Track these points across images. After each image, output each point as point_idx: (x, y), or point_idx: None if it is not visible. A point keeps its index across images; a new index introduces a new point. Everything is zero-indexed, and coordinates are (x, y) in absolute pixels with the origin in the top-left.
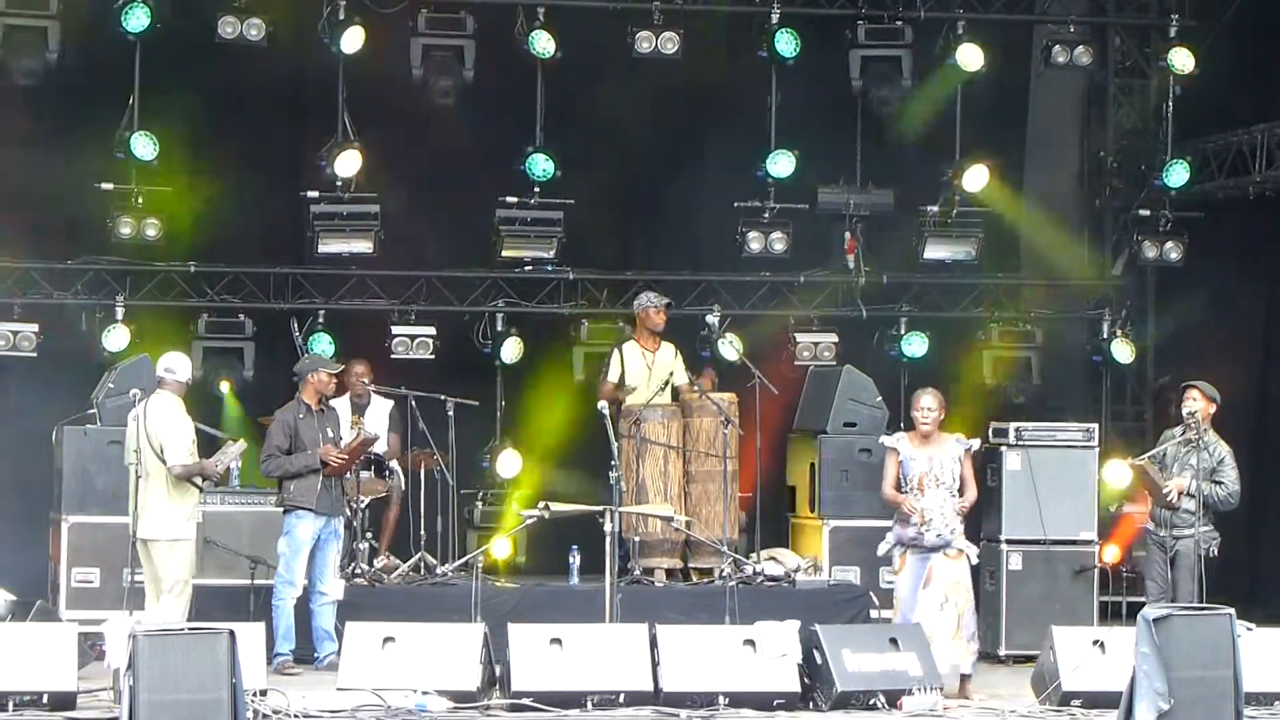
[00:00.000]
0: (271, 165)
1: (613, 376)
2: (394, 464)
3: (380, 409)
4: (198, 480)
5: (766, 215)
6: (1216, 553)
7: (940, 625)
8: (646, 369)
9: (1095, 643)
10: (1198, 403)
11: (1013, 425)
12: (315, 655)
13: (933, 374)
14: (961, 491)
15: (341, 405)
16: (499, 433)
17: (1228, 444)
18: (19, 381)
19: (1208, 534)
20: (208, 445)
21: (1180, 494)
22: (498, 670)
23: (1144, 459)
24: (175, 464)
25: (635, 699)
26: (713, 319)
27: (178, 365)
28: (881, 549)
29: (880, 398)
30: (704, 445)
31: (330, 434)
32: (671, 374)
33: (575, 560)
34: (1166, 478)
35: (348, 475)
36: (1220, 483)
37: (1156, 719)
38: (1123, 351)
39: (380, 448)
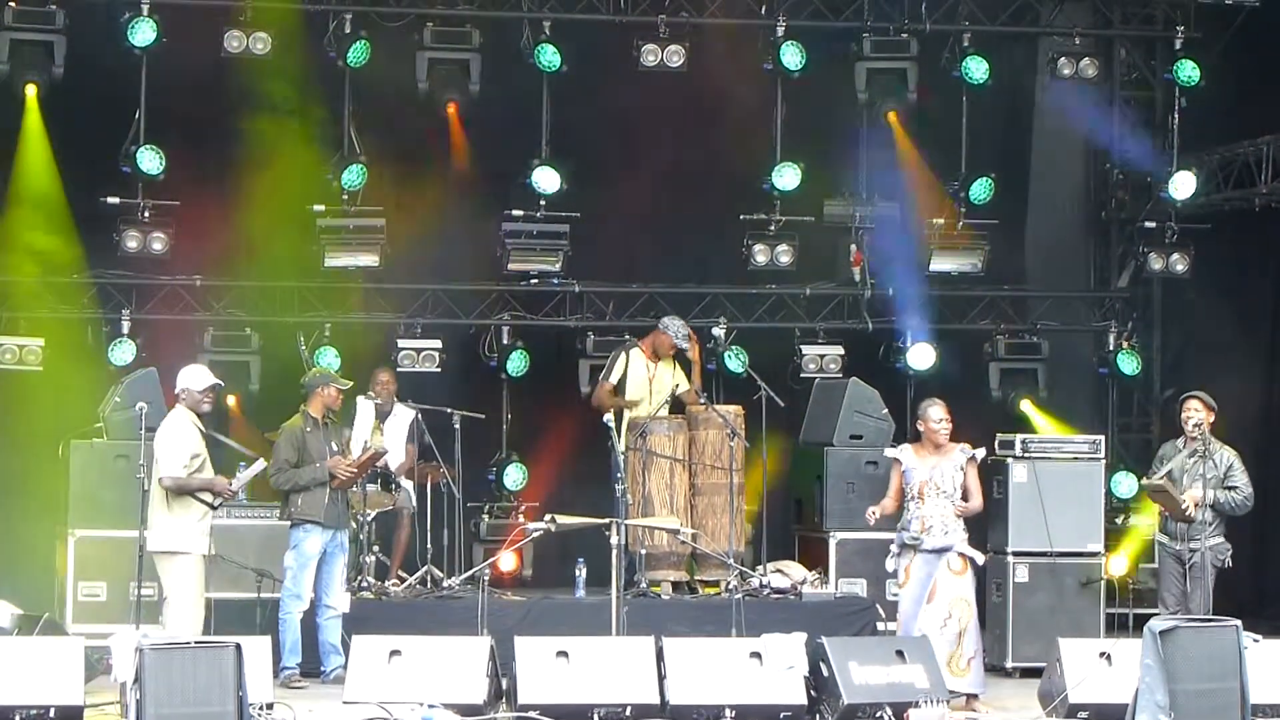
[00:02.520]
0: (277, 178)
1: (613, 379)
2: (404, 480)
3: (403, 418)
4: (204, 496)
5: (772, 228)
6: (1231, 564)
7: (941, 642)
8: (648, 380)
9: (1102, 655)
10: (1200, 413)
11: (1019, 437)
12: (322, 669)
13: (939, 386)
14: (965, 500)
15: (365, 410)
16: (505, 446)
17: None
18: (26, 396)
19: (1220, 546)
20: (230, 460)
21: (1196, 506)
22: (504, 683)
23: (1161, 478)
24: (164, 476)
25: (642, 712)
26: (718, 331)
27: (185, 378)
28: (889, 564)
29: (886, 410)
30: (710, 458)
31: (336, 447)
32: (676, 385)
33: (581, 573)
34: (1180, 491)
35: (354, 488)
36: (1234, 488)
37: None
38: (1129, 363)
39: (398, 458)
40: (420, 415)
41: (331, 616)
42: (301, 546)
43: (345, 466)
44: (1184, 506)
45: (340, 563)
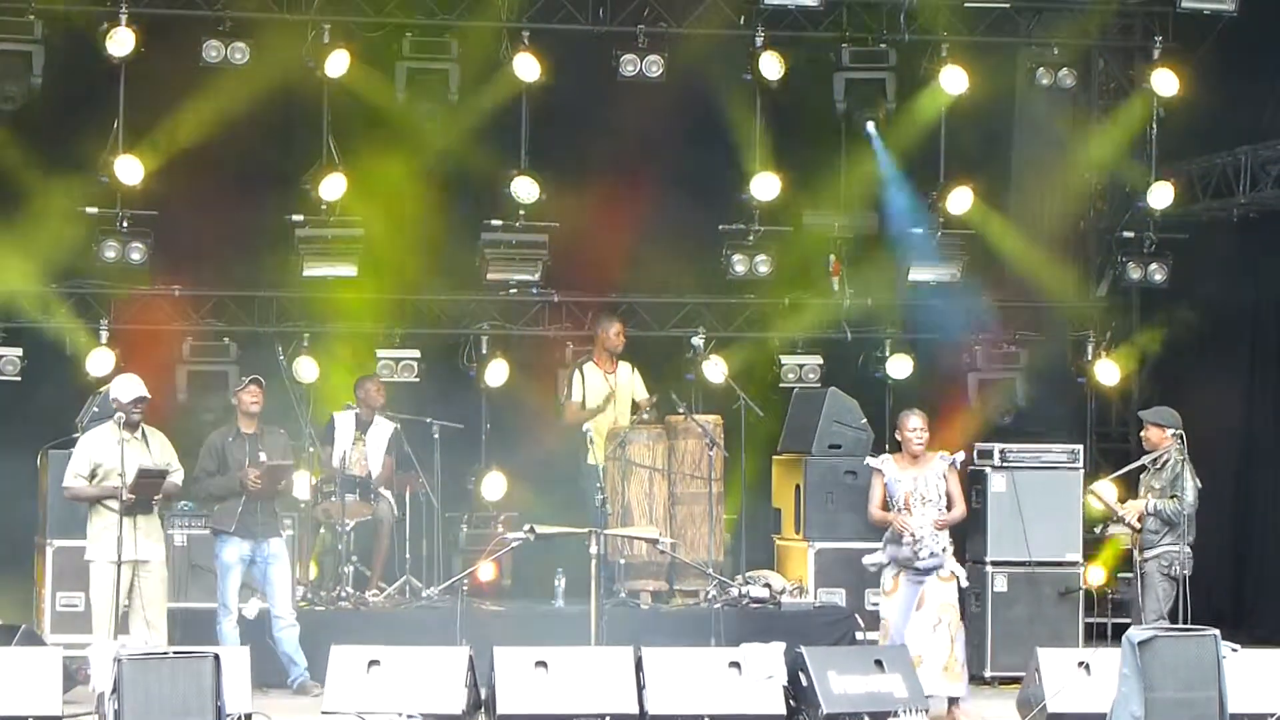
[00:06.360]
0: (256, 189)
1: (576, 397)
2: (384, 490)
3: (382, 430)
4: (108, 503)
5: (751, 238)
6: (1184, 570)
7: (934, 647)
8: (610, 389)
9: (1080, 664)
10: (1148, 433)
11: (997, 447)
12: (288, 679)
13: (917, 396)
14: (949, 508)
15: (345, 422)
16: (484, 455)
17: (1205, 464)
18: (2, 406)
19: (1168, 552)
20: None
21: (1140, 516)
22: (483, 693)
23: (1108, 482)
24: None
25: None
26: (697, 341)
27: (113, 390)
28: (869, 560)
29: (865, 419)
30: (689, 467)
31: (265, 457)
32: (634, 395)
33: (560, 583)
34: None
35: (332, 498)
36: (1175, 496)
37: None
38: (1107, 373)
39: (376, 469)
40: (398, 426)
41: (283, 627)
42: (220, 557)
43: (254, 476)
44: (1121, 515)
45: (276, 572)
